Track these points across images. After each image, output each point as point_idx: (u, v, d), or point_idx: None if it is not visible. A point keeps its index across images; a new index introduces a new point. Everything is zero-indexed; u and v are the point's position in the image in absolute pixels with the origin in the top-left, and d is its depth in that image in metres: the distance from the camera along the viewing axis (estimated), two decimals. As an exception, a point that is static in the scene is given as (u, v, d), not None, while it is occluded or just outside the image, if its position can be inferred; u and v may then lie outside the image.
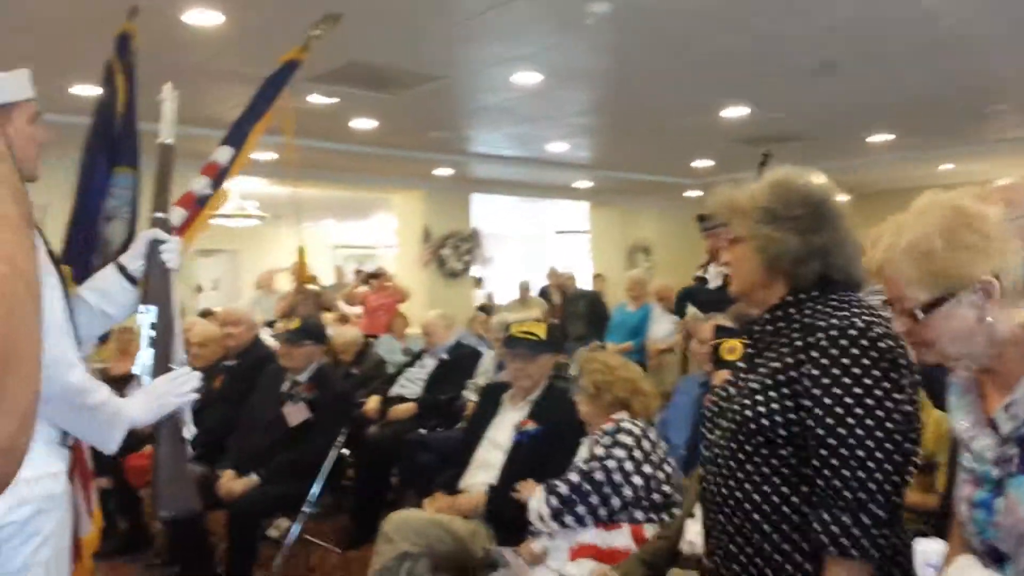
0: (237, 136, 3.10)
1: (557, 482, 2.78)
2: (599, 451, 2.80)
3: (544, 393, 3.38)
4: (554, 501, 2.74)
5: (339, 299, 9.56)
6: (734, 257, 1.83)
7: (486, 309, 11.17)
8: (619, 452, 2.77)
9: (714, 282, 4.93)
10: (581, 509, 2.72)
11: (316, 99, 6.52)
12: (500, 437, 3.31)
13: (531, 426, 3.22)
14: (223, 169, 3.01)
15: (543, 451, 3.14)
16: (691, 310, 4.79)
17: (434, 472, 4.06)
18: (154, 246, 2.12)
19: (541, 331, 3.41)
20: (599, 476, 2.74)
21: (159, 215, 2.17)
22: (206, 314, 7.31)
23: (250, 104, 3.24)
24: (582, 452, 3.02)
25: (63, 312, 1.92)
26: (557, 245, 17.31)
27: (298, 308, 8.38)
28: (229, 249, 16.34)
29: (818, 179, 1.79)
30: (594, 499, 2.73)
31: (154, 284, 2.09)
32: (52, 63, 5.22)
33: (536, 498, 2.78)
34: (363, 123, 7.49)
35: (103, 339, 2.45)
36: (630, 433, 2.83)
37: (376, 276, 9.22)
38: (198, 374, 2.09)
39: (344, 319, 9.26)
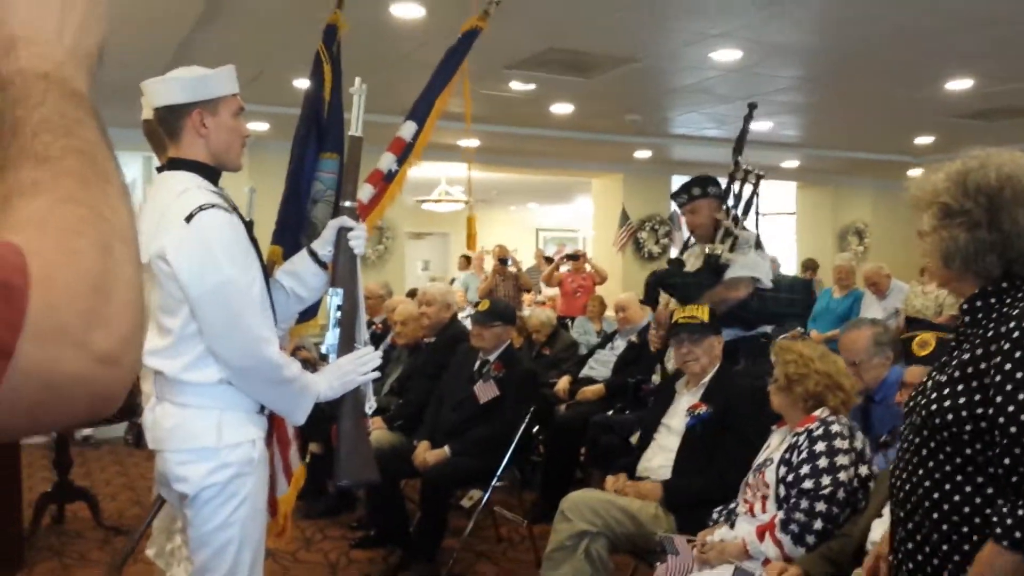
0: (421, 111, 3.09)
1: (792, 524, 2.57)
2: (822, 463, 2.61)
3: (716, 376, 3.33)
4: (788, 540, 2.57)
5: (540, 281, 9.77)
6: (924, 252, 1.76)
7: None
8: (843, 459, 2.62)
9: (693, 264, 4.10)
10: (818, 524, 2.59)
11: (516, 86, 6.66)
12: (674, 423, 3.30)
13: (703, 409, 3.17)
14: (408, 145, 3.02)
15: (716, 435, 3.10)
16: (664, 298, 4.16)
17: (618, 454, 4.09)
18: (342, 233, 2.26)
19: (703, 314, 3.35)
20: (840, 494, 2.58)
21: (348, 204, 2.32)
22: (413, 294, 7.70)
23: (432, 78, 3.19)
24: (772, 443, 2.91)
25: (261, 292, 2.11)
26: (762, 228, 16.69)
27: (498, 289, 8.66)
28: (439, 232, 17.18)
29: (1010, 161, 1.64)
30: (835, 510, 2.59)
31: (341, 269, 2.24)
32: (279, 59, 5.67)
33: (760, 544, 2.62)
34: (561, 108, 7.56)
35: (304, 317, 2.62)
36: (842, 436, 2.67)
37: (575, 258, 9.31)
38: (379, 354, 2.23)
39: (542, 300, 9.45)
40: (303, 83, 6.19)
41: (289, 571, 4.24)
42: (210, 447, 2.05)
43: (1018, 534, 1.46)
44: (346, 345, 2.19)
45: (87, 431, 7.04)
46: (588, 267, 9.24)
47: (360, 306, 2.25)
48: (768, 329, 3.99)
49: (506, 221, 17.96)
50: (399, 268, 10.09)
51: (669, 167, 11.04)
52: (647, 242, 11.01)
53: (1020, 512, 1.47)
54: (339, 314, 2.20)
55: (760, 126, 8.56)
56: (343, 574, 4.22)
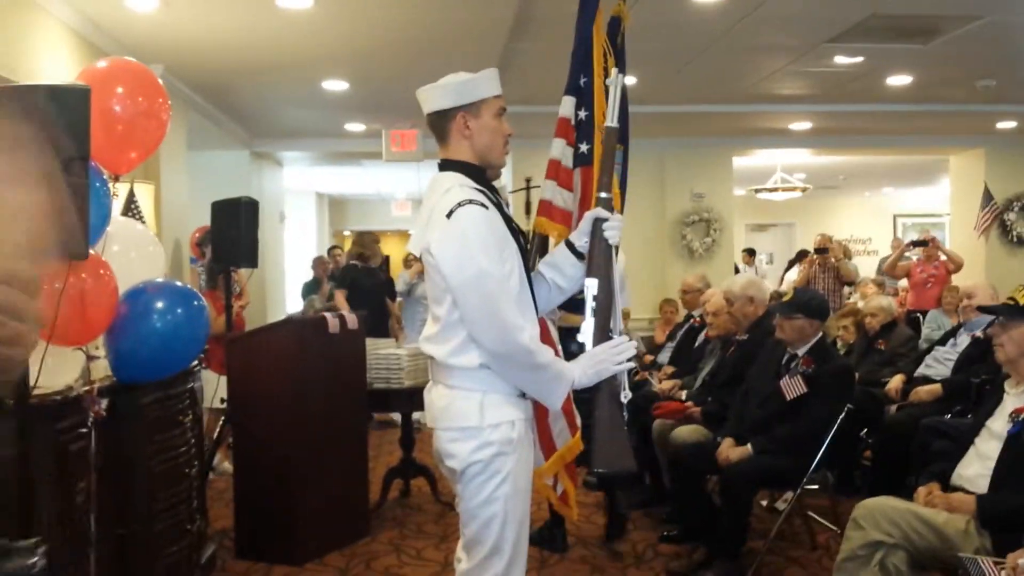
0: (575, 86, 3.04)
1: None
2: None
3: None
4: None
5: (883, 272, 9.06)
6: None
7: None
8: None
9: None
10: None
11: (841, 60, 6.22)
12: (997, 426, 2.86)
13: None
14: (581, 122, 2.99)
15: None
16: None
17: (944, 461, 3.66)
18: (598, 224, 2.29)
19: (1021, 297, 2.86)
20: None
21: (603, 195, 2.34)
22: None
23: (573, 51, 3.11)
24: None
25: (518, 283, 2.22)
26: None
27: (816, 281, 8.14)
28: (784, 222, 16.53)
29: None
30: None
31: (597, 259, 2.27)
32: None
33: None
34: (898, 79, 6.91)
35: (568, 307, 2.68)
36: None
37: (923, 243, 8.46)
38: (634, 343, 2.23)
39: (865, 292, 8.73)
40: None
41: (596, 558, 4.36)
42: (474, 426, 2.20)
43: None
44: (601, 334, 2.22)
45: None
46: (941, 255, 8.34)
47: (616, 296, 2.27)
48: None
49: (858, 207, 16.84)
50: (727, 260, 9.87)
51: (1042, 138, 9.59)
52: (1016, 224, 9.66)
53: None
54: (595, 304, 2.24)
55: None
56: (648, 566, 4.24)
